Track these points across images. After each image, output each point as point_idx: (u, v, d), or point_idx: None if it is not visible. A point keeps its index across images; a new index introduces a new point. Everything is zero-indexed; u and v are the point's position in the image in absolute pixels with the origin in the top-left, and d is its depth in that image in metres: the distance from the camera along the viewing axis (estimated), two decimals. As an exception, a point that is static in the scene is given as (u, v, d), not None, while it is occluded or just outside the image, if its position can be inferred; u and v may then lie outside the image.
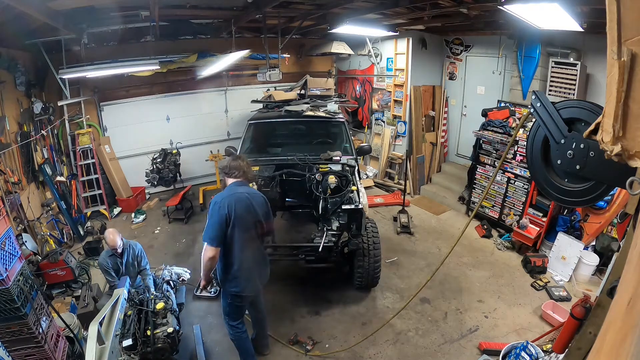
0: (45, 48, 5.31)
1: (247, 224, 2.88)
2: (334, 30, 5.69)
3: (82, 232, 5.85)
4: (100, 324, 2.58)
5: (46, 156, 5.63)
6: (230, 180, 2.95)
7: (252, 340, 3.38)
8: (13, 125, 4.97)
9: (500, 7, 3.43)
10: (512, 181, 5.37)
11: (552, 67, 5.22)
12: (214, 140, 7.71)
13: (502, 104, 5.88)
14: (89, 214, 6.34)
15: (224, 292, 3.08)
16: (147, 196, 7.27)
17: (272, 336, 3.69)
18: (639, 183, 0.85)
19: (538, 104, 1.47)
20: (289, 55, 7.75)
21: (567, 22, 3.49)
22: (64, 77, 5.40)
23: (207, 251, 2.74)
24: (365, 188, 6.52)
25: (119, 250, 3.83)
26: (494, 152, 5.63)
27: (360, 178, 4.85)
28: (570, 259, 4.52)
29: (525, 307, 4.17)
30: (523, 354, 3.07)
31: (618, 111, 0.77)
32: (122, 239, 3.88)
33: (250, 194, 2.95)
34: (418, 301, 4.20)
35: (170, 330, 3.17)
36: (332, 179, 3.93)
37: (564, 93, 5.10)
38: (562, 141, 1.35)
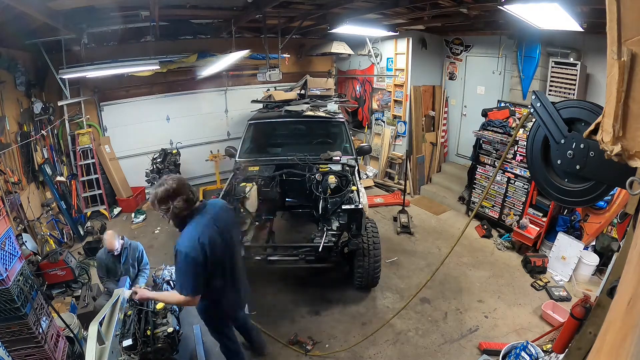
0: (45, 48, 5.30)
1: (224, 252, 2.47)
2: (334, 30, 5.69)
3: (82, 232, 5.85)
4: (100, 324, 2.57)
5: (46, 156, 5.63)
6: (184, 212, 2.31)
7: (249, 343, 3.39)
8: (13, 125, 4.96)
9: (500, 7, 3.43)
10: (512, 181, 5.36)
11: (552, 67, 5.21)
12: (214, 140, 7.71)
13: (502, 104, 5.88)
14: (89, 214, 6.34)
15: (206, 322, 2.88)
16: (147, 196, 7.26)
17: (272, 336, 3.68)
18: (639, 183, 0.85)
19: (538, 104, 1.47)
20: (289, 55, 7.74)
21: (567, 22, 3.49)
22: (64, 77, 5.39)
23: (189, 302, 2.37)
24: (365, 188, 6.52)
25: (116, 253, 3.86)
26: (494, 152, 5.62)
27: (360, 178, 4.85)
28: (570, 259, 4.52)
29: (525, 307, 4.17)
30: (523, 354, 3.07)
31: (618, 111, 0.77)
32: (122, 239, 3.90)
33: (213, 217, 2.43)
34: (418, 301, 4.19)
35: (170, 330, 3.16)
36: (332, 179, 3.94)
37: (564, 93, 5.10)
38: (562, 141, 1.35)
